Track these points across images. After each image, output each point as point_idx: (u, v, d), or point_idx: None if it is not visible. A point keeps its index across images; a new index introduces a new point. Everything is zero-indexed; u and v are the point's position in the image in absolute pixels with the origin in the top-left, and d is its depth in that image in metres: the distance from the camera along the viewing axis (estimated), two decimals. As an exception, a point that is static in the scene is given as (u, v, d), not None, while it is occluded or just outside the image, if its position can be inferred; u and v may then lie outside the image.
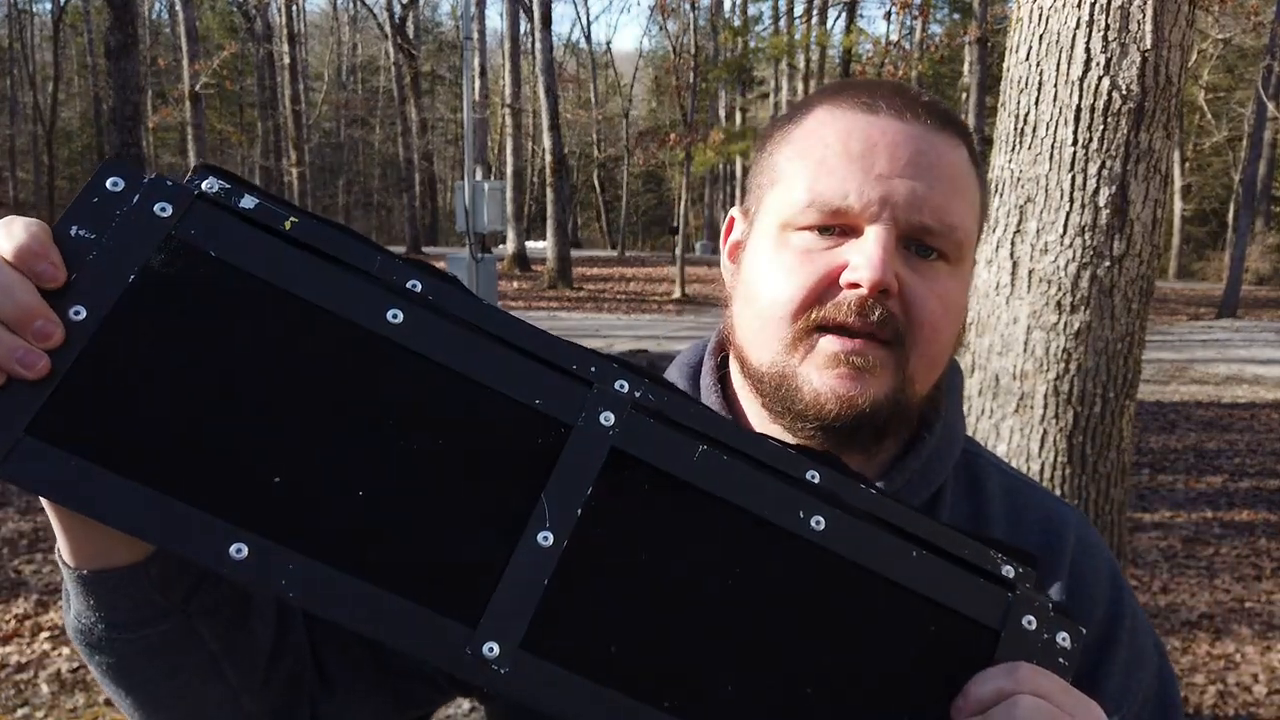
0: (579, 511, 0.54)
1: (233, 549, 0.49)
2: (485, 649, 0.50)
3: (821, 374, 0.67)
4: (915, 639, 0.57)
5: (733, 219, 0.79)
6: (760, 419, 0.74)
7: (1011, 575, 0.60)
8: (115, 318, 0.52)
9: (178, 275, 0.53)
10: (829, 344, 0.67)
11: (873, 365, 0.67)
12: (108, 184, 0.54)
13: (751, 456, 0.58)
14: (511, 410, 0.55)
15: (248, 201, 0.55)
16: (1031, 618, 0.59)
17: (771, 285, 0.70)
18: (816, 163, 0.69)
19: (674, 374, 0.82)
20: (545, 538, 0.53)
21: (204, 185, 0.55)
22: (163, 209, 0.54)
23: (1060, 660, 0.58)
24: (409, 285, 0.56)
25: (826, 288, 0.67)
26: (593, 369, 0.57)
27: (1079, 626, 0.59)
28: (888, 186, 0.67)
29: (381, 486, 0.52)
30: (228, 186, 0.56)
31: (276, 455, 0.51)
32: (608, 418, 0.56)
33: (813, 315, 0.68)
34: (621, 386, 0.57)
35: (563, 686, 0.51)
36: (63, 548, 0.58)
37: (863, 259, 0.66)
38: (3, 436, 0.49)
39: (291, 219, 0.56)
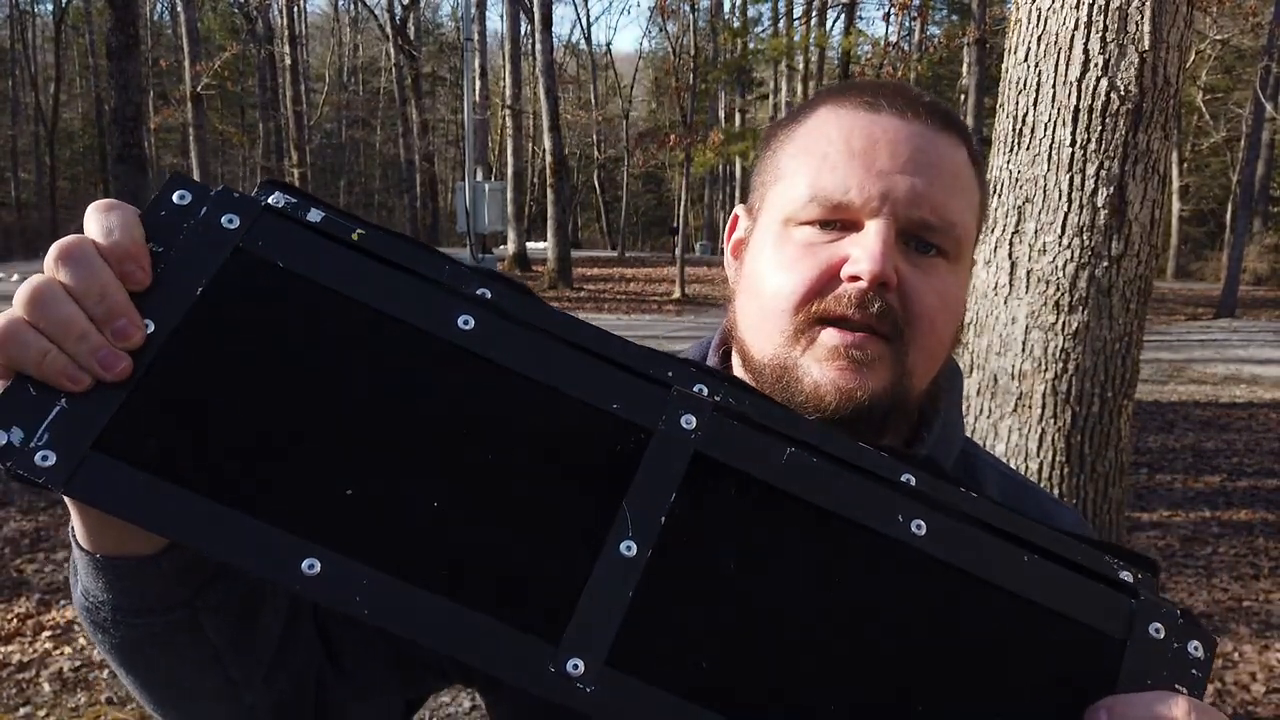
0: (662, 520, 0.52)
1: (304, 564, 0.48)
2: (569, 666, 0.48)
3: (821, 366, 0.68)
4: (1032, 650, 0.53)
5: (736, 217, 0.81)
6: None
7: (1131, 580, 0.56)
8: (184, 331, 0.51)
9: (246, 287, 0.53)
10: (829, 337, 0.68)
11: (872, 359, 0.68)
12: (174, 197, 0.54)
13: (841, 458, 0.56)
14: (588, 416, 0.53)
15: (314, 214, 0.55)
16: (1159, 625, 0.55)
17: (774, 278, 0.71)
18: (819, 159, 0.71)
19: None
20: (628, 547, 0.51)
21: (270, 199, 0.55)
22: (230, 220, 0.54)
23: (1193, 672, 0.54)
24: (479, 293, 0.55)
25: (828, 281, 0.69)
26: (670, 373, 0.55)
27: (1211, 636, 0.56)
28: (888, 182, 0.68)
29: (456, 498, 0.51)
30: (294, 200, 0.56)
31: (348, 467, 0.50)
32: (689, 421, 0.54)
33: (814, 308, 0.69)
34: (701, 390, 0.55)
35: (652, 705, 0.48)
36: (79, 531, 0.58)
37: (862, 252, 0.67)
38: (68, 455, 0.48)
39: (359, 231, 0.55)
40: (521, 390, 0.53)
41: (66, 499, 0.54)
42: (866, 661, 0.52)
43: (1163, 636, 0.55)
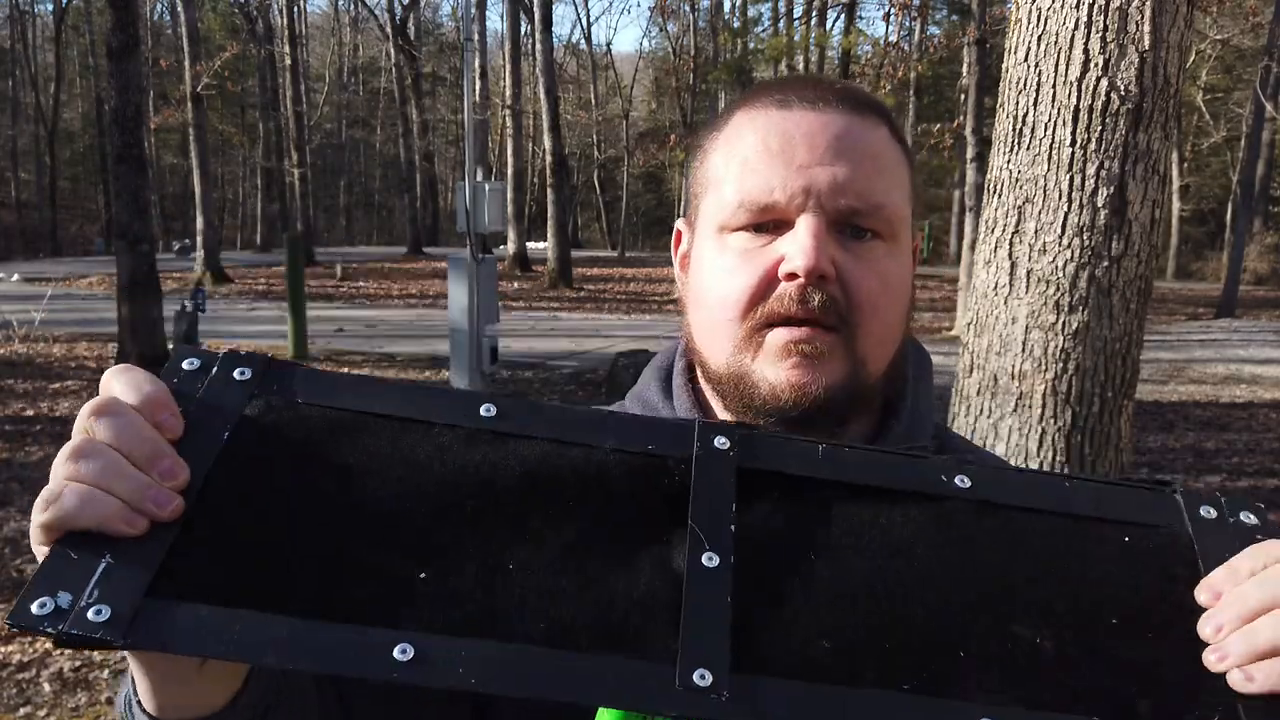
0: (732, 528, 0.53)
1: (396, 653, 0.47)
2: (696, 679, 0.48)
3: (775, 367, 0.69)
4: (1111, 560, 0.55)
5: (679, 232, 0.82)
6: (726, 419, 0.76)
7: (1160, 484, 0.59)
8: (218, 469, 0.53)
9: (272, 422, 0.55)
10: (777, 337, 0.69)
11: (822, 352, 0.68)
12: (184, 364, 0.57)
13: (864, 448, 0.59)
14: (628, 459, 0.56)
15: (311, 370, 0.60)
16: (1209, 507, 0.57)
17: (716, 288, 0.72)
18: (740, 164, 0.72)
19: (648, 377, 0.84)
20: (710, 559, 0.52)
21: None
22: (242, 373, 0.57)
23: (1257, 537, 0.56)
24: (484, 406, 0.58)
25: (768, 283, 0.69)
26: (680, 424, 0.59)
27: (1257, 504, 0.58)
28: (809, 176, 0.69)
29: (528, 557, 0.52)
30: (289, 361, 0.60)
31: (414, 554, 0.51)
32: (722, 442, 0.57)
33: (759, 311, 0.69)
34: (717, 429, 0.58)
35: (788, 696, 0.48)
36: (143, 693, 0.55)
37: (795, 249, 0.68)
38: (123, 606, 0.47)
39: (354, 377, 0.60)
40: (556, 452, 0.56)
41: (130, 656, 0.53)
42: (972, 607, 0.53)
43: (1215, 515, 0.57)
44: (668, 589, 0.51)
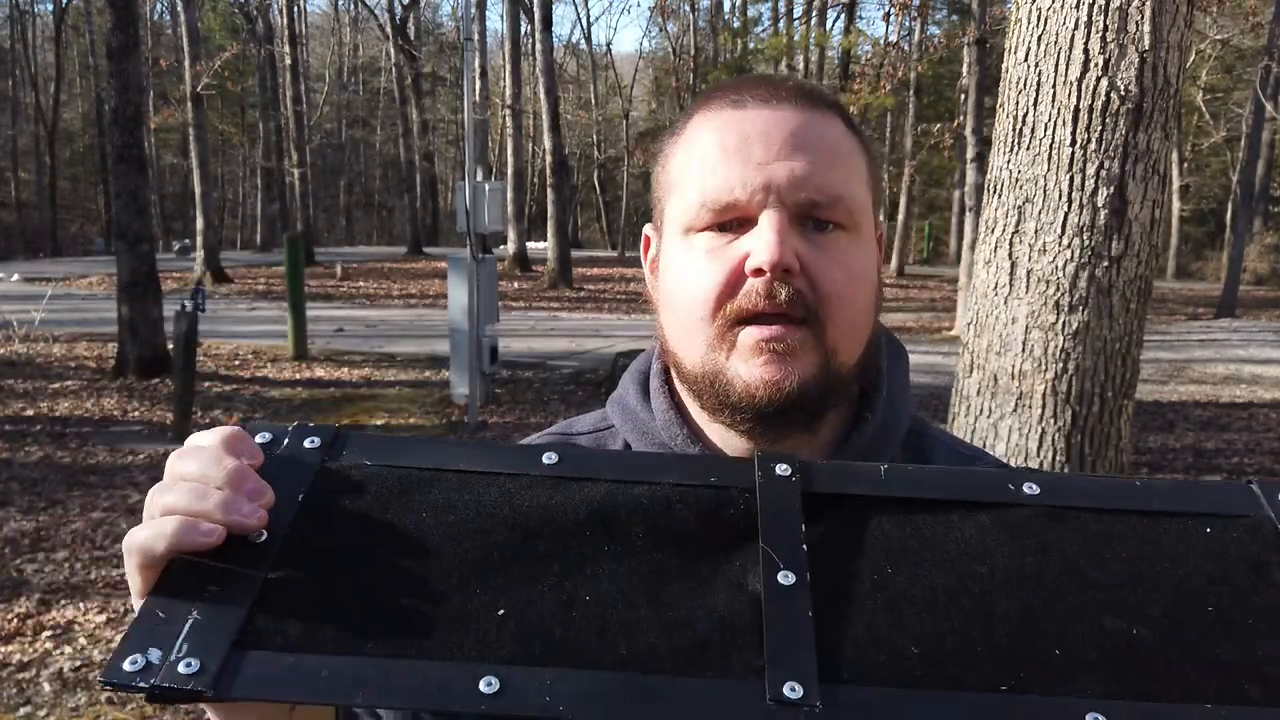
0: (804, 547, 0.54)
1: (482, 685, 0.48)
2: (787, 691, 0.48)
3: (748, 365, 0.70)
4: (1198, 553, 0.55)
5: (648, 237, 0.83)
6: (702, 419, 0.77)
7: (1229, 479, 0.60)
8: (297, 525, 0.55)
9: (343, 482, 0.58)
10: (748, 335, 0.70)
11: (793, 347, 0.69)
12: (256, 438, 0.60)
13: (924, 467, 0.60)
14: (691, 492, 0.58)
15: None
16: None
17: (685, 289, 0.73)
18: (700, 165, 0.73)
19: (627, 381, 0.85)
20: (786, 576, 0.53)
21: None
22: (312, 442, 0.60)
23: None
24: (545, 455, 0.60)
25: (735, 281, 0.70)
26: (741, 459, 0.61)
27: None
28: (767, 172, 0.70)
29: (603, 589, 0.53)
30: (355, 428, 0.64)
31: (491, 592, 0.53)
32: (784, 469, 0.58)
33: (728, 310, 0.70)
34: (777, 458, 0.60)
35: (881, 703, 0.48)
36: None
37: (759, 244, 0.69)
38: (213, 658, 0.49)
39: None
40: (620, 490, 0.58)
41: (212, 710, 0.56)
42: (1057, 612, 0.53)
43: None
44: (746, 609, 0.52)
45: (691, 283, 0.72)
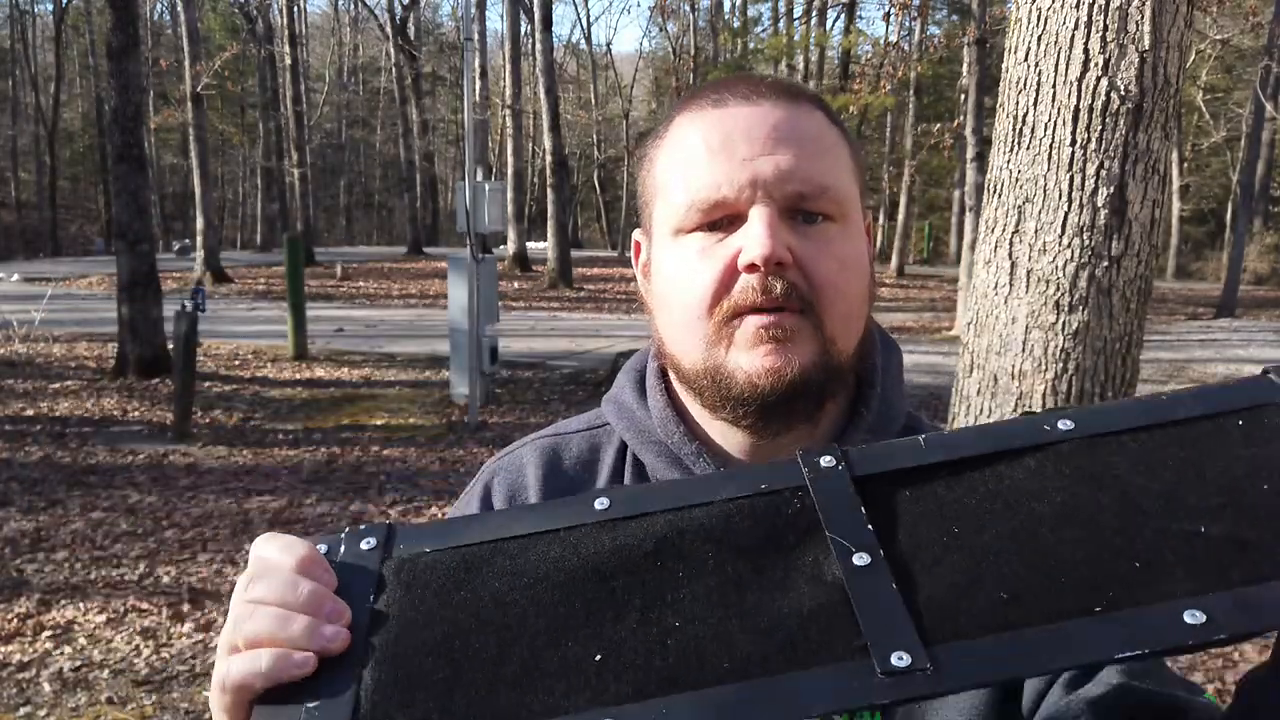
0: (869, 527, 0.55)
1: None
2: (896, 661, 0.49)
3: (749, 355, 0.70)
4: (1238, 444, 0.56)
5: (638, 243, 0.83)
6: (703, 417, 0.77)
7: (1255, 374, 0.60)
8: (374, 624, 0.56)
9: (408, 573, 0.59)
10: (747, 326, 0.70)
11: (791, 334, 0.70)
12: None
13: (961, 429, 0.61)
14: (746, 503, 0.59)
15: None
16: None
17: (680, 290, 0.73)
18: (685, 166, 0.73)
19: (623, 379, 0.85)
20: (861, 558, 0.54)
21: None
22: (368, 543, 0.61)
23: None
24: (596, 501, 0.61)
25: (729, 277, 0.70)
26: (786, 461, 0.61)
27: None
28: (753, 168, 0.70)
29: (688, 611, 0.54)
30: (406, 523, 0.64)
31: (582, 642, 0.53)
32: (829, 460, 0.59)
33: (724, 306, 0.71)
34: (820, 451, 0.61)
35: (986, 652, 0.49)
36: None
37: (751, 240, 0.69)
38: None
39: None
40: (678, 517, 0.59)
41: None
42: (1125, 529, 0.53)
43: None
44: (831, 597, 0.53)
45: (686, 283, 0.72)
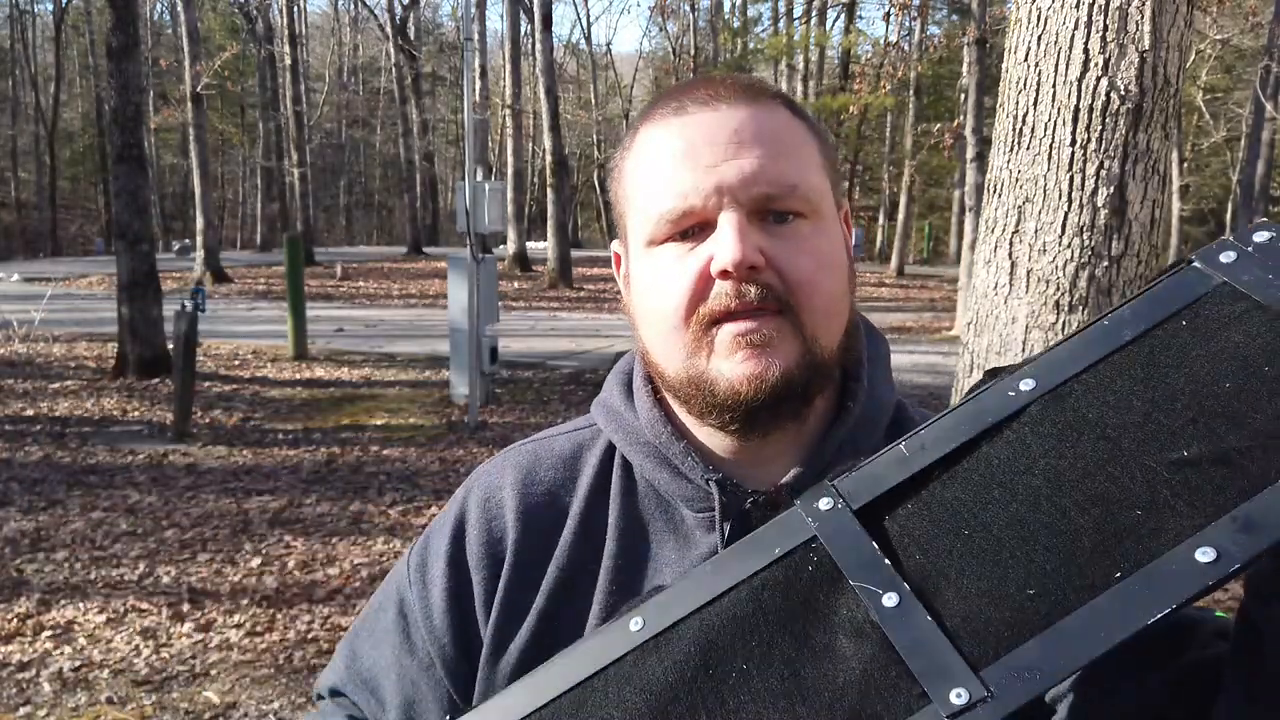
0: (886, 562, 0.55)
1: None
2: (955, 700, 0.49)
3: (730, 362, 0.70)
4: (1188, 348, 0.56)
5: (618, 255, 0.83)
6: (690, 422, 0.77)
7: (1171, 266, 0.60)
8: None
9: None
10: (725, 333, 0.70)
11: (771, 337, 0.69)
12: None
13: (934, 417, 0.62)
14: (769, 575, 0.59)
15: None
16: (1226, 251, 0.58)
17: (656, 300, 0.73)
18: (652, 178, 0.73)
19: (611, 383, 0.85)
20: (890, 598, 0.54)
21: None
22: None
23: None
24: (632, 621, 0.61)
25: (704, 285, 0.70)
26: (788, 514, 0.62)
27: (1267, 223, 0.59)
28: (718, 174, 0.70)
29: (757, 707, 0.55)
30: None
31: None
32: (827, 502, 0.60)
33: (701, 314, 0.70)
34: (814, 494, 0.61)
35: (1041, 652, 0.49)
36: None
37: (721, 246, 0.69)
38: None
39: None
40: (711, 614, 0.59)
41: None
42: (1114, 477, 0.53)
43: (1236, 256, 0.57)
44: (877, 648, 0.53)
45: (661, 294, 0.72)
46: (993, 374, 0.61)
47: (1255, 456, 0.50)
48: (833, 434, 0.75)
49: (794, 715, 0.53)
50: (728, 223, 0.69)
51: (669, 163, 0.72)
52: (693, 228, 0.71)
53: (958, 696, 0.49)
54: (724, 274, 0.69)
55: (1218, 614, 0.67)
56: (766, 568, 0.59)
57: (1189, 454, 0.52)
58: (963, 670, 0.50)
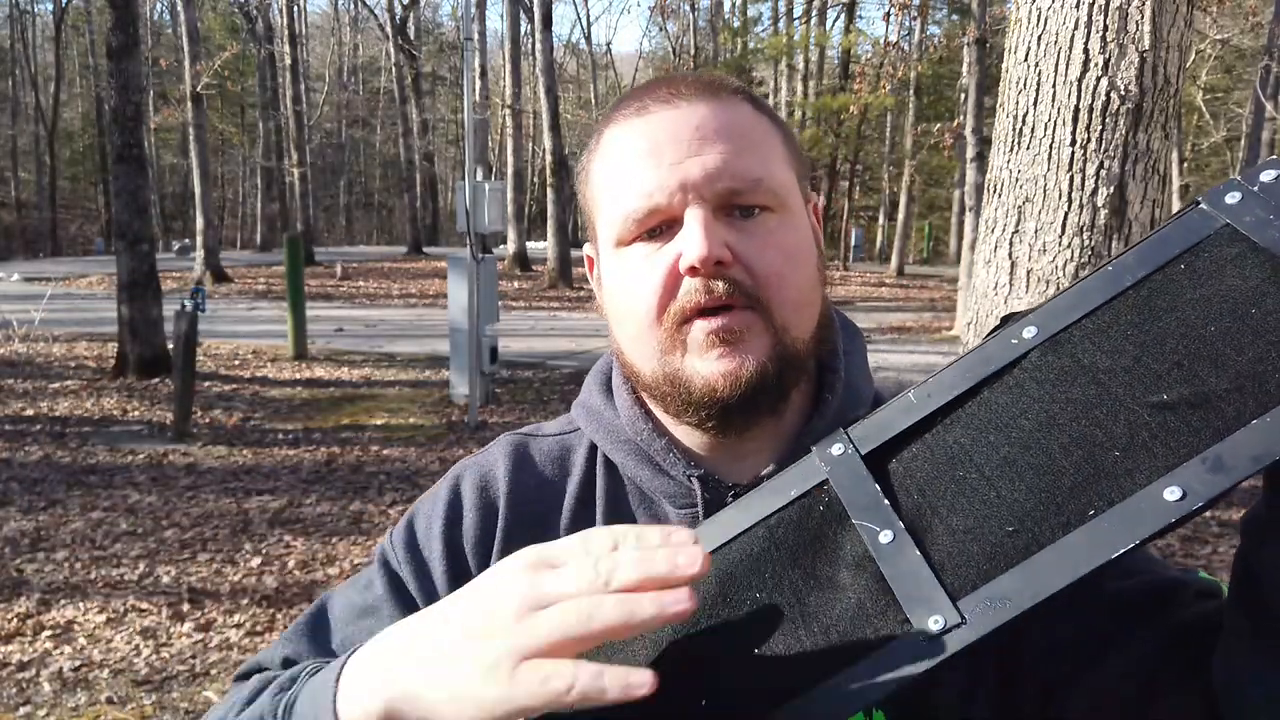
0: (886, 502, 0.58)
1: None
2: (932, 626, 0.53)
3: (703, 360, 0.70)
4: (1188, 290, 0.56)
5: (590, 258, 0.83)
6: (668, 420, 0.78)
7: (1183, 209, 0.60)
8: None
9: None
10: (697, 330, 0.70)
11: (742, 332, 0.70)
12: None
13: (944, 366, 0.64)
14: (784, 516, 0.62)
15: None
16: (1232, 192, 0.57)
17: (627, 301, 0.73)
18: (617, 178, 0.73)
19: (590, 383, 0.86)
20: (885, 535, 0.57)
21: None
22: None
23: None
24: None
25: (673, 283, 0.70)
26: (805, 462, 0.64)
27: (1251, 172, 0.58)
28: (681, 171, 0.70)
29: (763, 635, 0.58)
30: None
31: (687, 687, 0.56)
32: (839, 448, 0.63)
33: (671, 312, 0.71)
34: (830, 440, 0.64)
35: (1015, 584, 0.52)
36: None
37: (687, 243, 0.69)
38: None
39: None
40: (732, 550, 0.62)
41: None
42: (1101, 419, 0.54)
43: (1241, 196, 0.57)
44: (872, 581, 0.56)
45: (631, 294, 0.72)
46: (1007, 319, 0.63)
47: (1232, 399, 0.51)
48: (811, 427, 0.75)
49: (796, 638, 0.56)
50: (693, 219, 0.69)
51: (633, 162, 0.72)
52: (660, 226, 0.71)
53: (935, 623, 0.52)
54: (692, 270, 0.69)
55: (1201, 574, 0.68)
56: (783, 508, 0.62)
57: (1169, 397, 0.53)
58: (943, 600, 0.53)
